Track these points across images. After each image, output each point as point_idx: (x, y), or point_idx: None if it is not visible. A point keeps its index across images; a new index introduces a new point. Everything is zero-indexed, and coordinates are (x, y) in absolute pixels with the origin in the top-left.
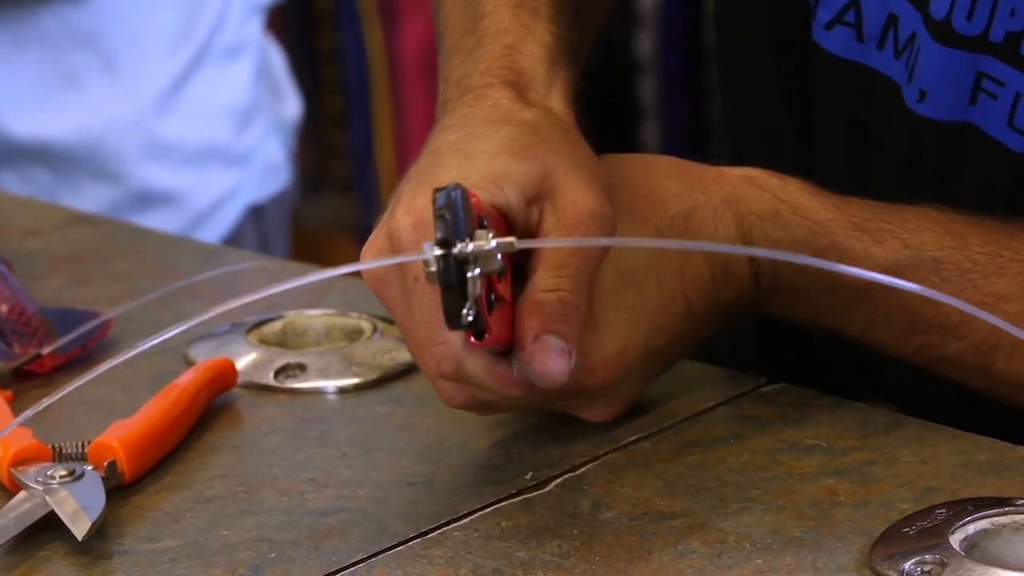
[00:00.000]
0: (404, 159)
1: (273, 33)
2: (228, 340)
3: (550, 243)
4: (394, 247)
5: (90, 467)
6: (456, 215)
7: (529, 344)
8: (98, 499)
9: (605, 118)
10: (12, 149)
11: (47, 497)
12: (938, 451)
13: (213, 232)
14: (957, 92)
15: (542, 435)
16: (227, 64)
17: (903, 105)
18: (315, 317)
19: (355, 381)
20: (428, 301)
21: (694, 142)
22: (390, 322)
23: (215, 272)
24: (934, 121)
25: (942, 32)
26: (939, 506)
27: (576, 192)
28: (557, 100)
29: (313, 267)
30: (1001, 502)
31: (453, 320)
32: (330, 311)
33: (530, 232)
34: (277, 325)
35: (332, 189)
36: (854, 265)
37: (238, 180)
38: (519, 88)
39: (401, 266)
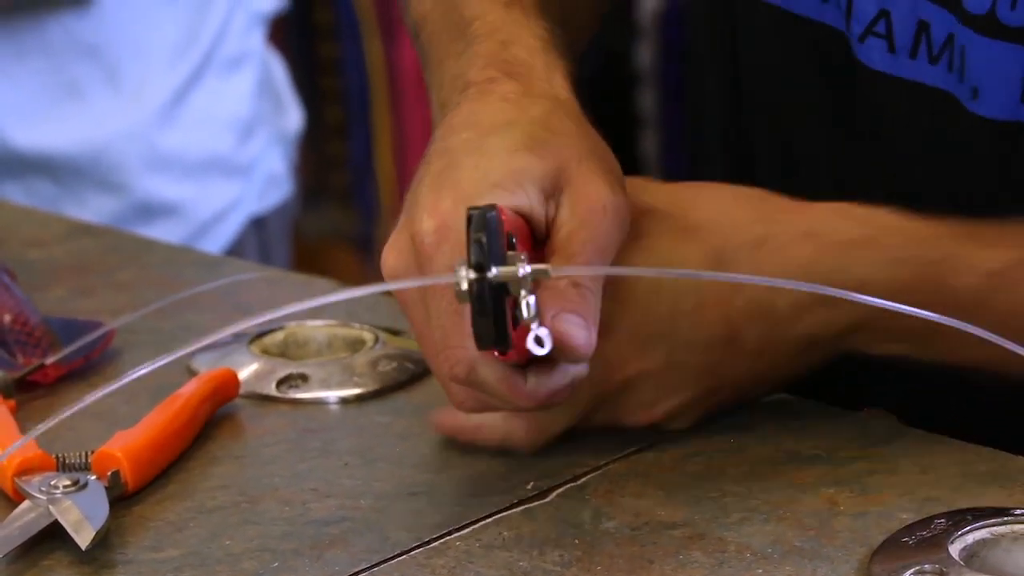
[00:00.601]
0: (404, 170)
1: (273, 44)
2: (230, 351)
3: (585, 271)
4: (418, 251)
5: (93, 477)
6: (492, 240)
7: (548, 321)
8: (101, 509)
9: (605, 128)
10: (15, 160)
11: (51, 507)
12: (938, 461)
13: (215, 243)
14: (1008, 88)
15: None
16: (229, 75)
17: (953, 111)
18: (317, 328)
19: (357, 391)
20: (446, 305)
21: (693, 153)
22: (392, 333)
23: (217, 283)
24: (989, 121)
25: (987, 26)
26: (939, 516)
27: (589, 185)
28: (560, 87)
29: (314, 278)
30: (1000, 512)
31: (483, 342)
32: (332, 322)
33: (547, 227)
34: (279, 336)
35: (332, 200)
36: (963, 271)
37: (240, 191)
38: (522, 80)
39: (420, 265)
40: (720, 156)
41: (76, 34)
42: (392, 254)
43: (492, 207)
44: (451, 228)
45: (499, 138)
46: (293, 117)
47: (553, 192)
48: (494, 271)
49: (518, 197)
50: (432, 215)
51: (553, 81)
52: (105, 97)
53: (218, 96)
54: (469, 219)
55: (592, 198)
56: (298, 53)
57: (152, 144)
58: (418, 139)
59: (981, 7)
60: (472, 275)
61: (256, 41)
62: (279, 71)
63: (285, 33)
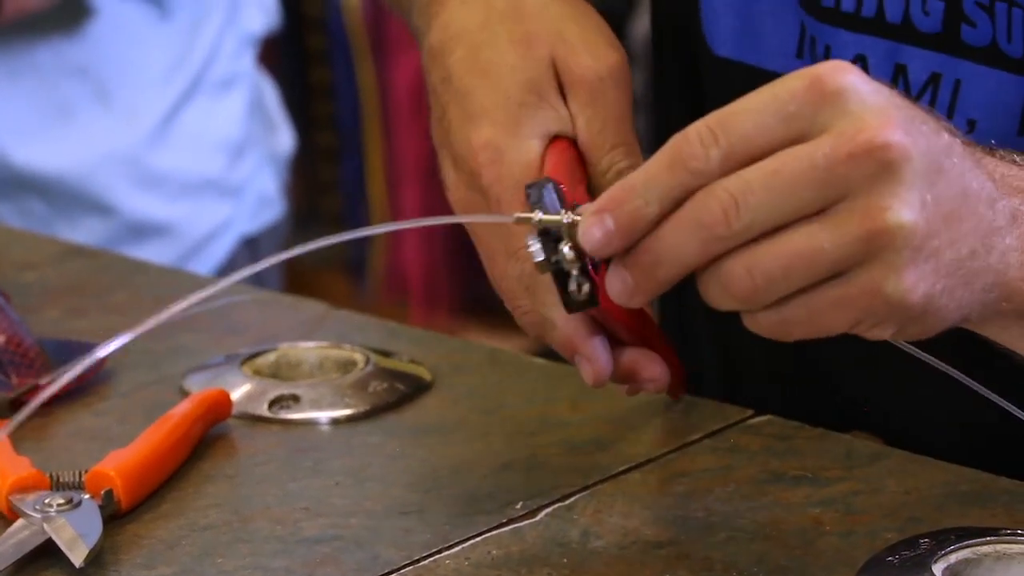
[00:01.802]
0: (396, 194)
1: (266, 68)
2: (223, 371)
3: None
4: (479, 186)
5: (87, 495)
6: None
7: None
8: (95, 527)
9: None
10: (8, 180)
11: (45, 525)
12: (922, 482)
13: (207, 263)
14: (1008, 118)
15: (532, 465)
16: (220, 96)
17: None
18: (308, 349)
19: (348, 412)
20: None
21: None
22: (382, 354)
23: (210, 304)
24: None
25: (989, 57)
26: (922, 536)
27: (579, 64)
28: None
29: (305, 299)
30: (983, 532)
31: (572, 308)
32: (323, 343)
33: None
34: (271, 357)
35: (324, 224)
36: None
37: (232, 211)
38: None
39: (483, 191)
40: None
41: (67, 56)
42: (459, 194)
43: (546, 179)
44: (503, 152)
45: (491, 51)
46: (284, 138)
47: (561, 83)
48: (564, 251)
49: (545, 110)
50: (482, 147)
51: None
52: (96, 118)
53: (209, 117)
54: (526, 191)
55: (588, 77)
56: (290, 78)
57: (144, 165)
58: (410, 164)
59: (983, 39)
60: (542, 258)
61: (247, 62)
62: (270, 92)
63: (277, 58)
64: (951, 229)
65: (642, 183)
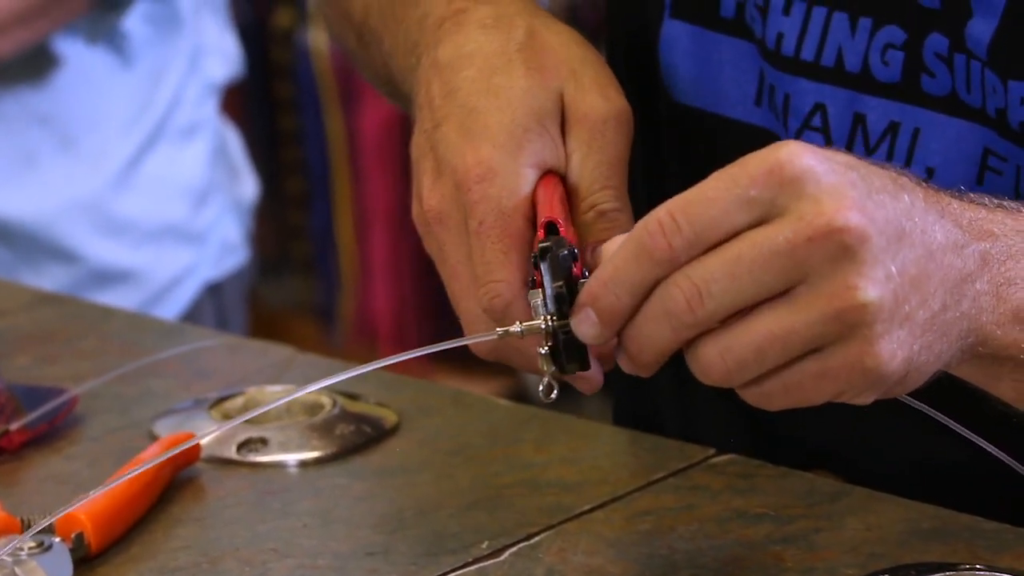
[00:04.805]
0: (365, 240)
1: (234, 115)
2: (191, 415)
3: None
4: (464, 196)
5: (58, 539)
6: (570, 283)
7: (589, 256)
8: (66, 570)
9: None
10: None
11: (16, 568)
12: (883, 519)
13: (172, 309)
14: (966, 165)
15: (498, 505)
16: (183, 144)
17: None
18: (276, 393)
19: (315, 454)
20: (492, 243)
21: None
22: (349, 397)
23: (177, 350)
24: None
25: (949, 106)
26: (883, 571)
27: (586, 103)
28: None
29: (272, 344)
30: (943, 567)
31: (567, 371)
32: (290, 387)
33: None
34: (239, 401)
35: (293, 270)
36: None
37: (195, 258)
38: (492, 2)
39: (465, 208)
40: None
41: (31, 105)
42: (435, 198)
43: (561, 242)
44: (497, 173)
45: (504, 76)
46: (248, 185)
47: (564, 119)
48: (541, 352)
49: (546, 141)
50: (476, 163)
51: None
52: (60, 166)
53: (172, 164)
54: (543, 254)
55: (592, 116)
56: (259, 125)
57: (107, 212)
58: (379, 209)
59: (943, 89)
60: (557, 323)
61: (210, 110)
62: (233, 140)
63: (246, 106)
64: (920, 290)
65: (611, 277)
